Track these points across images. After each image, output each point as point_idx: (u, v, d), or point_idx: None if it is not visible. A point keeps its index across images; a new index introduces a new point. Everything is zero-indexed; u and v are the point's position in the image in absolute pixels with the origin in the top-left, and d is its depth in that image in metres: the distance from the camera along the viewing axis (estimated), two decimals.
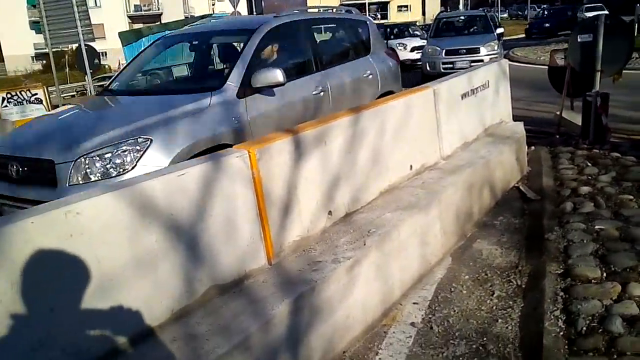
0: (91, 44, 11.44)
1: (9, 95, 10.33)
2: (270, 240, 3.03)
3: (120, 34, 29.49)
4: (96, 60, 11.13)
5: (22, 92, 10.46)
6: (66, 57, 36.66)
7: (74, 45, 13.73)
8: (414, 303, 3.45)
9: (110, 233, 2.28)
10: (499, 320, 3.20)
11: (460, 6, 41.47)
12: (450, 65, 12.57)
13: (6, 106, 10.16)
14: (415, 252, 3.66)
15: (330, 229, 3.47)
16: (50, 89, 11.98)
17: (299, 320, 2.69)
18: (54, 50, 11.66)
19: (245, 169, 2.87)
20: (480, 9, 28.33)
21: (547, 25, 29.99)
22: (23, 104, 10.23)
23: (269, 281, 2.86)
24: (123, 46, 28.58)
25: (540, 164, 5.83)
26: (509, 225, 4.52)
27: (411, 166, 4.35)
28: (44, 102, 10.37)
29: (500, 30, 15.42)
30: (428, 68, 13.38)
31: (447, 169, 4.57)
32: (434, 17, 17.46)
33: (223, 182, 2.76)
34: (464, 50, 13.04)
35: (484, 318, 3.23)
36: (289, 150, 3.15)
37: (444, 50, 13.23)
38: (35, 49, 53.28)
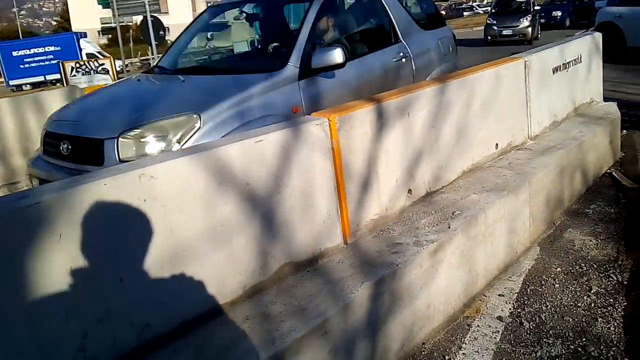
0: (157, 16, 11.51)
1: (77, 65, 10.56)
2: (347, 218, 2.79)
3: None
4: (161, 32, 11.16)
5: (90, 63, 10.67)
6: (131, 31, 37.64)
7: (139, 19, 13.88)
8: (500, 295, 3.14)
9: (185, 200, 2.09)
10: (599, 320, 2.84)
11: None
12: None
13: (74, 75, 10.39)
14: (501, 239, 3.33)
15: (409, 209, 3.19)
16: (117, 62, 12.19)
17: (379, 305, 2.45)
18: (120, 23, 11.80)
19: (324, 138, 2.63)
20: None
21: (557, 14, 21.67)
22: (90, 74, 10.44)
23: (345, 262, 2.63)
24: None
25: (634, 149, 5.30)
26: (604, 215, 4.08)
27: (497, 145, 3.98)
28: (110, 73, 10.53)
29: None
30: None
31: (536, 149, 4.17)
32: None
33: (301, 152, 2.53)
34: None
35: (581, 316, 2.88)
36: (370, 120, 2.88)
37: None
38: (102, 24, 55.01)
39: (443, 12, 43.21)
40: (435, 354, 2.67)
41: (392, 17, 5.04)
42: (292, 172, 2.49)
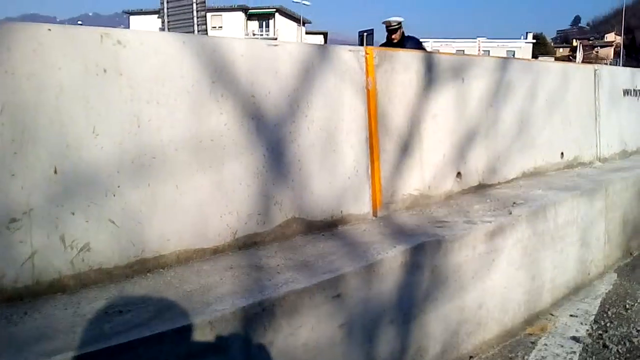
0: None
1: None
2: (380, 183, 2.18)
3: None
4: None
5: None
6: None
7: None
8: (572, 315, 2.39)
9: (164, 88, 1.55)
10: None
11: None
12: None
13: None
14: (573, 249, 2.62)
15: (457, 196, 2.55)
16: None
17: (415, 283, 1.78)
18: None
19: (358, 71, 2.09)
20: None
21: None
22: None
23: (373, 231, 1.99)
24: None
25: None
26: None
27: (562, 154, 3.34)
28: None
29: None
30: None
31: (608, 168, 3.51)
32: None
33: (327, 79, 1.98)
34: None
35: None
36: (417, 69, 2.33)
37: None
38: None
39: None
40: None
41: None
42: (313, 100, 1.93)
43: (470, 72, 2.60)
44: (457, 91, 2.53)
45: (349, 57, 2.06)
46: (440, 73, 2.44)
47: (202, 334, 1.24)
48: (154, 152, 1.54)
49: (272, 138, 1.82)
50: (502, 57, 2.88)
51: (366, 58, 2.11)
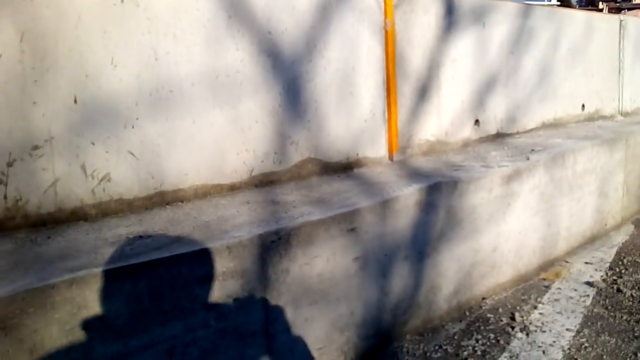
0: None
1: None
2: (396, 127, 2.17)
3: None
4: None
5: None
6: None
7: None
8: (587, 263, 2.40)
9: (181, 22, 1.55)
10: None
11: None
12: None
13: None
14: (590, 199, 2.60)
15: (475, 144, 2.54)
16: None
17: (430, 222, 1.79)
18: None
19: (376, 10, 2.06)
20: None
21: None
22: None
23: (388, 173, 2.00)
24: None
25: None
26: None
27: (583, 106, 3.28)
28: None
29: None
30: None
31: (629, 121, 3.45)
32: None
33: (345, 18, 1.96)
34: None
35: None
36: (437, 12, 2.29)
37: None
38: None
39: None
40: (500, 310, 1.96)
41: None
42: (330, 39, 1.91)
43: (491, 17, 2.54)
44: (478, 36, 2.48)
45: None
46: (461, 17, 2.39)
47: (220, 258, 1.27)
48: (171, 85, 1.55)
49: (288, 77, 1.81)
50: (524, 3, 2.80)
51: None
